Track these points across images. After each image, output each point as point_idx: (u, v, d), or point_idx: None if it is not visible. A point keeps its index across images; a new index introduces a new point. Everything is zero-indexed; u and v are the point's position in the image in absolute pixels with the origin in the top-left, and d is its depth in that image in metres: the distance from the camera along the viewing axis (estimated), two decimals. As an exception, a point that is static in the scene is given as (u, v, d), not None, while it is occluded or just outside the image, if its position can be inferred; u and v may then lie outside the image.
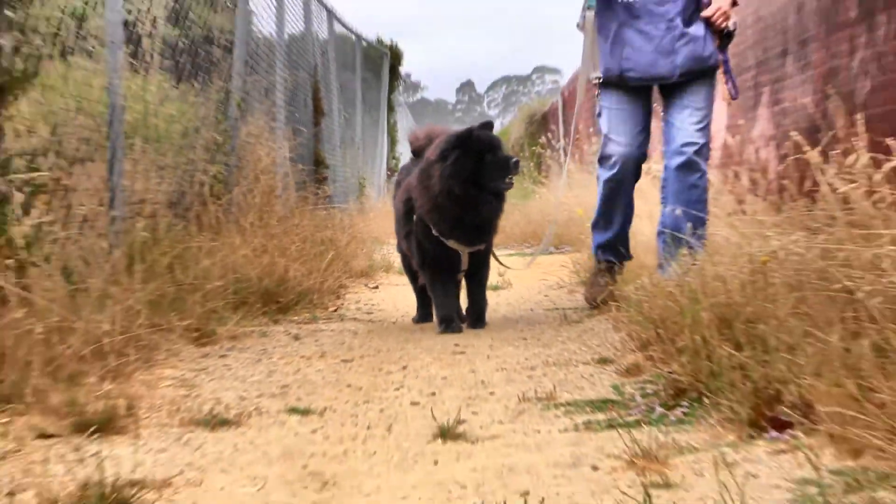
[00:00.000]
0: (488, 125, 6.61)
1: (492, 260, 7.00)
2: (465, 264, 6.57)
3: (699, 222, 6.12)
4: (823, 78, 7.30)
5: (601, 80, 6.67)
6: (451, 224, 6.41)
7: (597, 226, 7.08)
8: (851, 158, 4.77)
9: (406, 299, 7.32)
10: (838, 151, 5.46)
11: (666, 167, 6.60)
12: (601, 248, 7.10)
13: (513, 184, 6.48)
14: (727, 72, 6.51)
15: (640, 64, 6.50)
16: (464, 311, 6.87)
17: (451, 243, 6.47)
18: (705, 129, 6.49)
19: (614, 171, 6.70)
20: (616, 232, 6.98)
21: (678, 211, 6.09)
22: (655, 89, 6.82)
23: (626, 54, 6.51)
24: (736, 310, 4.36)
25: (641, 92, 6.72)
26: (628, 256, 7.14)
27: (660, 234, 6.57)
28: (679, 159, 6.42)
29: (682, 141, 6.44)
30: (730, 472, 3.14)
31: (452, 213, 6.38)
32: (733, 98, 6.66)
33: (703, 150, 6.48)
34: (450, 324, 6.56)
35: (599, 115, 6.87)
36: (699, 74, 6.50)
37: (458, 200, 6.32)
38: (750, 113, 9.02)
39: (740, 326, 4.20)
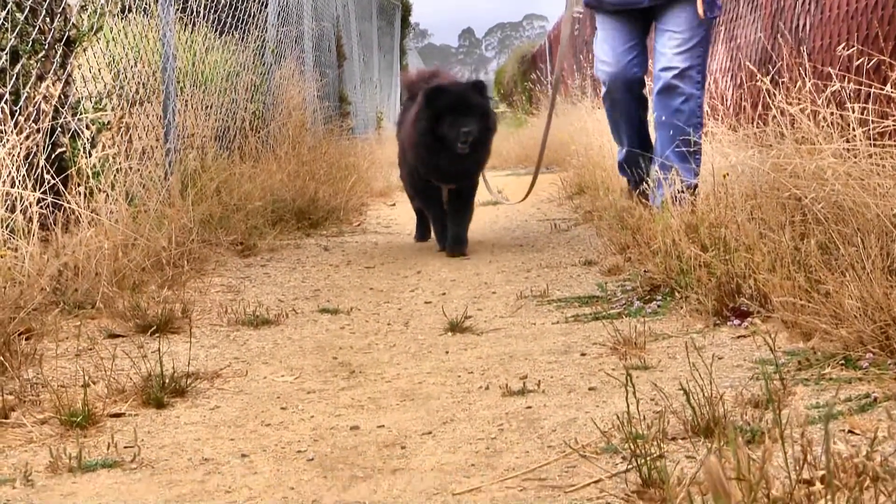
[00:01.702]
0: (479, 84, 6.12)
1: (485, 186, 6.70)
2: (445, 197, 6.30)
3: (686, 143, 5.50)
4: (771, 17, 7.17)
5: (585, 3, 6.07)
6: (426, 165, 6.03)
7: (618, 146, 6.20)
8: (797, 85, 4.71)
9: (419, 214, 7.26)
10: (786, 79, 5.37)
11: (653, 93, 5.84)
12: (619, 166, 6.20)
13: (467, 148, 5.80)
14: None
15: None
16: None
17: (431, 180, 6.18)
18: (686, 52, 5.61)
19: (605, 90, 5.95)
20: (626, 152, 6.03)
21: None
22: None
23: None
24: (701, 216, 4.33)
25: (624, 14, 5.84)
26: (639, 183, 5.90)
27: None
28: (658, 84, 5.68)
29: (661, 66, 5.67)
30: (699, 354, 3.10)
31: (426, 157, 5.98)
32: (705, 16, 5.59)
33: (687, 73, 5.60)
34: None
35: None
36: None
37: (429, 148, 5.91)
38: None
39: (705, 230, 4.17)
